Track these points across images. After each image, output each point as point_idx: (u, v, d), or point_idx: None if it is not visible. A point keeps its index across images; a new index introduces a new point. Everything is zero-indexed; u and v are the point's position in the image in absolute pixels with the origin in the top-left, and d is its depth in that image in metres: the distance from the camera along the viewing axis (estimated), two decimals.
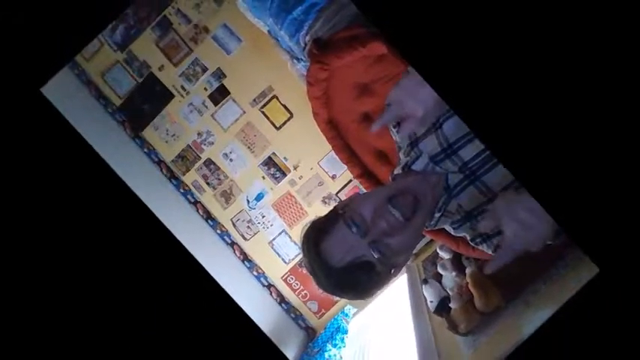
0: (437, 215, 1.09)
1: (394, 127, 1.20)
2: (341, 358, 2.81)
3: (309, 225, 1.05)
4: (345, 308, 3.43)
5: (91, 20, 0.71)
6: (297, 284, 3.85)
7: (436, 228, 1.15)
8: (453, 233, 1.18)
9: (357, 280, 0.98)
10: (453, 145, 1.06)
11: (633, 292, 0.68)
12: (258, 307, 3.57)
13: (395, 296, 3.02)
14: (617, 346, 0.69)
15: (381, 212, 0.97)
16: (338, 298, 3.75)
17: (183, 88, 3.87)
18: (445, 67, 0.68)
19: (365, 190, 2.62)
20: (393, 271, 1.03)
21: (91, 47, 3.84)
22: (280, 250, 3.87)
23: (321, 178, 3.79)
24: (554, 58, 0.68)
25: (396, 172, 1.18)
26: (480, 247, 1.13)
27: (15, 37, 0.70)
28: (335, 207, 1.07)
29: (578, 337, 0.70)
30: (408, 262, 3.27)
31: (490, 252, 1.11)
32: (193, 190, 3.91)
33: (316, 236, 1.00)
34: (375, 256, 0.95)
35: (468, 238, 1.14)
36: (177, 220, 3.48)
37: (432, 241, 3.16)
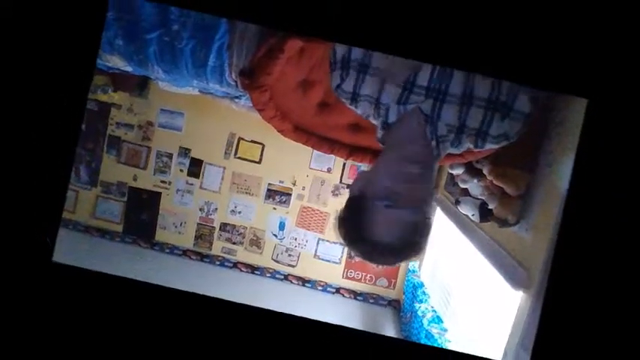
0: (434, 145, 1.09)
1: (351, 105, 1.20)
2: (432, 307, 2.81)
3: (338, 225, 1.06)
4: (410, 266, 3.44)
5: (55, 179, 0.70)
6: (358, 274, 3.85)
7: (442, 157, 1.15)
8: (458, 153, 1.19)
9: (411, 244, 1.01)
10: (407, 79, 1.09)
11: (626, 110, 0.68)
12: (341, 314, 3.56)
13: (443, 231, 3.03)
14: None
15: (399, 175, 1.00)
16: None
17: (163, 182, 3.88)
18: (354, 25, 0.68)
19: (360, 164, 2.61)
20: (429, 215, 1.05)
21: (69, 200, 3.85)
22: (327, 256, 3.87)
23: (321, 177, 3.79)
24: None
25: (379, 135, 1.19)
26: (487, 147, 1.14)
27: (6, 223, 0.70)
28: (351, 196, 1.07)
29: (606, 164, 0.70)
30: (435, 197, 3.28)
31: (496, 146, 1.13)
32: (226, 256, 3.91)
33: (355, 232, 1.02)
34: (414, 214, 0.98)
35: (472, 147, 1.14)
36: (230, 289, 3.48)
37: (439, 168, 3.16)
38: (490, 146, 1.13)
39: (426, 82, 1.07)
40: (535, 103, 1.07)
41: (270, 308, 0.70)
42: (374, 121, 1.20)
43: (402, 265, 3.73)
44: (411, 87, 1.09)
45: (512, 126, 1.08)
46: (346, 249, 3.79)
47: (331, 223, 3.80)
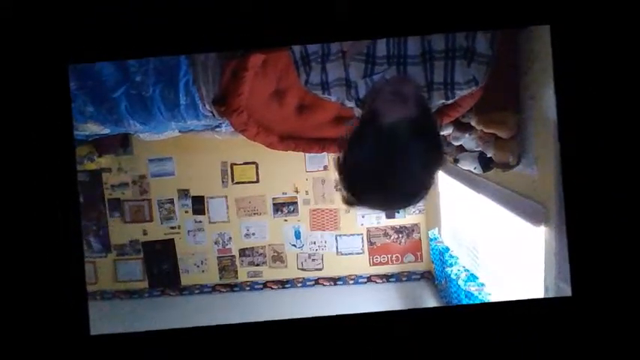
0: None
1: (324, 94, 1.22)
2: (463, 267, 2.81)
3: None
4: (430, 234, 3.44)
5: (69, 258, 0.71)
6: (384, 258, 3.85)
7: None
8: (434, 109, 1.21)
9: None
10: (367, 52, 1.11)
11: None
12: (378, 300, 3.56)
13: (453, 192, 3.03)
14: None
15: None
16: (418, 235, 3.75)
17: (172, 227, 3.88)
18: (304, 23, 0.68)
19: None
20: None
21: (88, 273, 3.85)
22: (349, 249, 3.87)
23: (320, 177, 3.79)
24: None
25: (357, 114, 1.17)
26: (458, 95, 1.14)
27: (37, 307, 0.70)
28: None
29: (585, 81, 0.70)
30: None
31: (466, 92, 1.15)
32: (253, 279, 3.91)
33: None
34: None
35: (444, 100, 1.17)
36: (267, 309, 3.48)
37: None
38: (461, 93, 1.14)
39: (385, 51, 1.10)
40: (493, 43, 1.08)
41: (311, 315, 0.70)
42: (349, 104, 1.22)
43: (423, 237, 3.74)
44: (372, 59, 1.11)
45: (479, 69, 1.08)
46: (366, 237, 3.81)
47: (342, 218, 3.79)
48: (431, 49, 1.08)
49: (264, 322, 0.71)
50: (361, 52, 1.11)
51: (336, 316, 0.70)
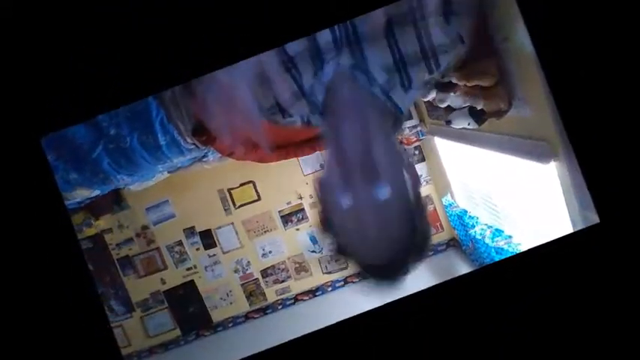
0: (382, 97, 0.91)
1: (285, 119, 1.03)
2: (484, 224, 2.81)
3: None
4: (444, 201, 3.44)
5: (96, 331, 0.70)
6: None
7: (405, 109, 0.98)
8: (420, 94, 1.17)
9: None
10: (310, 47, 0.89)
11: None
12: (412, 281, 3.55)
13: (454, 154, 3.03)
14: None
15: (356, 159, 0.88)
16: (432, 205, 3.74)
17: (188, 269, 3.88)
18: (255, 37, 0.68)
19: None
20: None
21: (119, 338, 3.85)
22: None
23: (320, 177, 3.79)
24: None
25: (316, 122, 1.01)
26: (445, 62, 0.97)
27: None
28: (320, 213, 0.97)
29: (555, 8, 0.70)
30: (425, 130, 3.28)
31: (457, 53, 1.08)
32: (283, 296, 3.92)
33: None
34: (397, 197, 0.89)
35: (427, 74, 0.99)
36: (304, 322, 3.48)
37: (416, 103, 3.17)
38: (448, 59, 0.95)
39: (331, 37, 0.86)
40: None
41: (354, 314, 0.70)
42: (313, 121, 0.99)
43: (437, 206, 3.74)
44: (317, 51, 0.87)
45: (461, 24, 0.91)
46: None
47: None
48: (391, 23, 0.86)
49: (304, 335, 0.71)
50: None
51: (376, 309, 0.70)
